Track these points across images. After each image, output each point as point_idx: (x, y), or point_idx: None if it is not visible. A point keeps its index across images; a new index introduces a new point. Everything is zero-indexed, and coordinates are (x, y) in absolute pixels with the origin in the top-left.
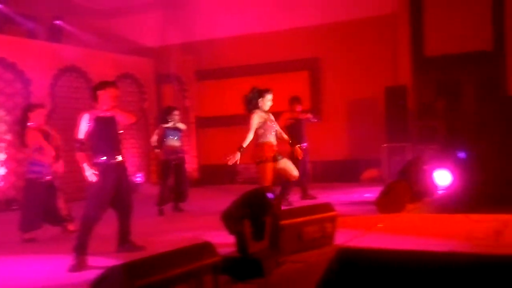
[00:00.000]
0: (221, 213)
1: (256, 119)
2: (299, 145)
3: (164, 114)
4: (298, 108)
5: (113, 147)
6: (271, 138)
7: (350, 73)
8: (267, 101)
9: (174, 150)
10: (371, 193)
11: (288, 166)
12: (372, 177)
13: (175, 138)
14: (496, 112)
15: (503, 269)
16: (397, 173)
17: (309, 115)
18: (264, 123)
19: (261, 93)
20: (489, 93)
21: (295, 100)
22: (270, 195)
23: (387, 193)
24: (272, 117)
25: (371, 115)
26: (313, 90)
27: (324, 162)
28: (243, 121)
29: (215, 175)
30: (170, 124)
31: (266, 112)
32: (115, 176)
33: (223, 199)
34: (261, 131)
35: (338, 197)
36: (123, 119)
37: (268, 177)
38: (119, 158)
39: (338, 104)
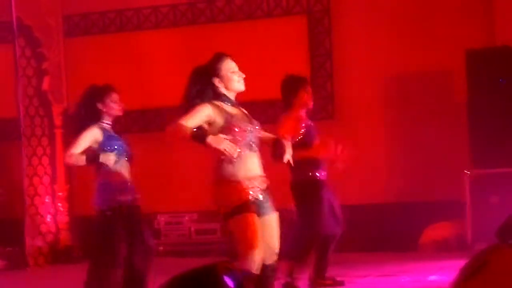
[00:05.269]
0: None
1: (205, 111)
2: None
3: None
4: (307, 98)
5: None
6: (250, 161)
7: (392, 20)
8: (232, 75)
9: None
10: (440, 275)
11: (271, 233)
12: (443, 239)
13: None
14: None
15: None
16: (496, 232)
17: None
18: (227, 127)
19: (214, 65)
20: None
21: (299, 82)
22: (229, 281)
23: (475, 274)
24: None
25: (437, 109)
26: (316, 57)
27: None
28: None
29: None
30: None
31: (233, 102)
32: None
33: None
34: None
35: (374, 285)
36: None
37: (253, 247)
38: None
39: (367, 88)
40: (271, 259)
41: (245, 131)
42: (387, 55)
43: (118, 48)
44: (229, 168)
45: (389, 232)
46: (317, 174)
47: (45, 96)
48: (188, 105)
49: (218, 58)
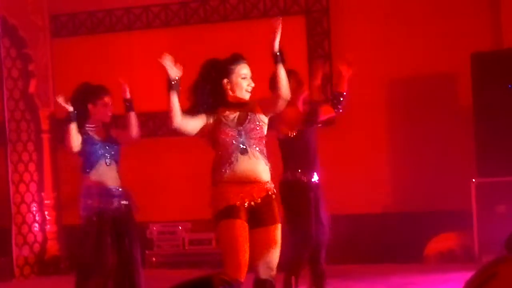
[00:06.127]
0: None
1: (200, 120)
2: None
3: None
4: (299, 87)
5: None
6: (241, 165)
7: (394, 21)
8: (243, 81)
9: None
10: (446, 287)
11: (267, 246)
12: (448, 250)
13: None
14: None
15: None
16: (504, 243)
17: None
18: (217, 131)
19: (228, 65)
20: None
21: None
22: None
23: (482, 287)
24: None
25: (442, 114)
26: (314, 59)
27: (343, 219)
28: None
29: None
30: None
31: (234, 105)
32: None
33: None
34: (221, 149)
35: None
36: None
37: (235, 251)
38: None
39: (369, 91)
40: (266, 274)
41: (232, 135)
42: (389, 57)
43: (108, 49)
44: (219, 172)
45: (393, 243)
46: (308, 176)
47: (31, 99)
48: (192, 105)
49: (235, 59)
